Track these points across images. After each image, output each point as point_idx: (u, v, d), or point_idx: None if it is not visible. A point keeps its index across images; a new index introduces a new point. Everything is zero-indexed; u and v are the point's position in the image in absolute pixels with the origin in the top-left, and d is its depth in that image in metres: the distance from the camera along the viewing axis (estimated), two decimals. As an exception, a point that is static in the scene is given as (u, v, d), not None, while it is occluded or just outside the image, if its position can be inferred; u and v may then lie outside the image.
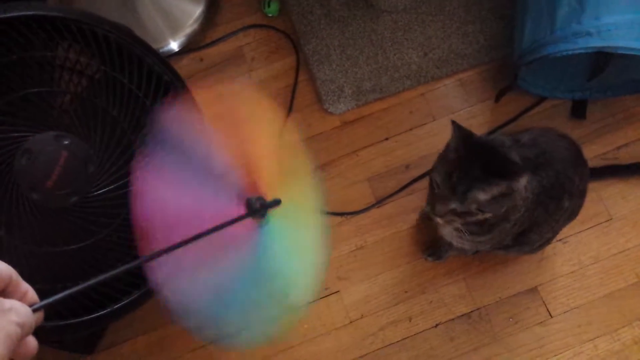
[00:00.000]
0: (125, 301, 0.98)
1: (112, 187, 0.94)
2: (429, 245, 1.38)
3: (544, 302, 1.35)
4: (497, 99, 1.49)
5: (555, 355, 1.31)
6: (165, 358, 1.33)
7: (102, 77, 0.96)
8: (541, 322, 1.34)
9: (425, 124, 1.49)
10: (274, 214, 0.67)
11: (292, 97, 1.52)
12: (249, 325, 0.70)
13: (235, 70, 1.56)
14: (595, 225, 1.40)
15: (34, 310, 0.46)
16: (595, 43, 1.14)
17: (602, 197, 1.42)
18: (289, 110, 1.51)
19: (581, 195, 1.17)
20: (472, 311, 1.35)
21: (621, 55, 1.18)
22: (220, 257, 0.64)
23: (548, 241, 1.27)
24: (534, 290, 1.36)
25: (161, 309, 0.59)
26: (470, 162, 0.94)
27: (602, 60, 1.37)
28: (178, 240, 0.58)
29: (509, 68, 1.48)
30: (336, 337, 1.34)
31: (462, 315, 1.35)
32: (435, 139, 1.48)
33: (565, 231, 1.37)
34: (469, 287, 1.36)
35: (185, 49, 1.56)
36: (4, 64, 0.86)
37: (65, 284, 0.90)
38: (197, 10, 1.57)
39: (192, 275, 0.64)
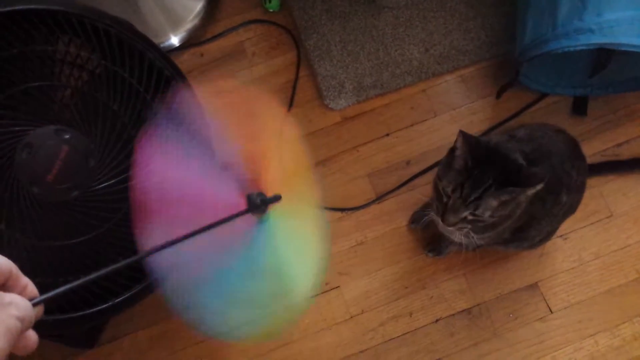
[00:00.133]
0: (126, 295, 0.98)
1: (112, 181, 0.94)
2: (429, 240, 1.38)
3: (544, 298, 1.35)
4: (499, 95, 1.48)
5: (556, 351, 1.32)
6: (166, 352, 1.34)
7: (102, 71, 0.96)
8: (541, 318, 1.34)
9: (426, 120, 1.49)
10: (275, 209, 0.67)
11: (293, 93, 1.52)
12: (249, 319, 0.70)
13: (236, 65, 1.56)
14: (595, 222, 1.40)
15: (34, 304, 0.46)
16: (597, 39, 1.14)
17: (602, 193, 1.42)
18: (290, 105, 1.51)
19: (579, 190, 1.17)
20: (472, 307, 1.35)
21: (623, 52, 1.17)
22: (218, 245, 0.64)
23: (547, 237, 1.27)
24: (534, 286, 1.36)
25: (162, 303, 0.59)
26: (480, 171, 0.94)
27: (603, 57, 1.37)
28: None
29: (510, 64, 1.48)
30: (337, 332, 1.34)
31: (463, 311, 1.35)
32: (436, 135, 1.48)
33: (566, 227, 1.37)
34: (469, 282, 1.36)
35: (185, 44, 1.56)
36: (5, 58, 0.86)
37: (65, 278, 0.90)
38: (198, 5, 1.56)
39: (192, 265, 0.64)
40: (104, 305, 0.96)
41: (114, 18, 0.95)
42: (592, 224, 1.40)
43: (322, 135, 1.49)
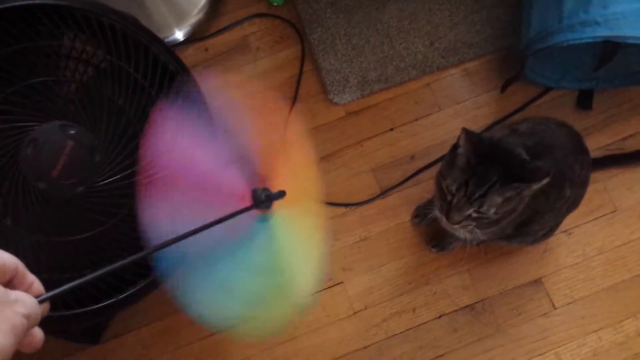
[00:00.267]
0: (131, 291, 0.98)
1: (118, 177, 0.94)
2: (433, 236, 1.38)
3: (547, 293, 1.35)
4: (503, 89, 1.48)
5: (559, 347, 1.32)
6: (170, 348, 1.34)
7: (107, 66, 0.95)
8: (545, 314, 1.34)
9: (430, 114, 1.49)
10: (279, 205, 0.67)
11: (297, 87, 1.52)
12: (253, 315, 0.70)
13: (241, 59, 1.56)
14: (600, 217, 1.40)
15: (40, 302, 0.46)
16: (603, 32, 1.13)
17: (607, 188, 1.41)
18: (294, 100, 1.51)
19: (583, 184, 1.17)
20: (475, 302, 1.35)
21: (628, 45, 1.17)
22: (222, 239, 0.64)
23: (551, 231, 1.27)
24: (537, 281, 1.36)
25: (166, 299, 0.59)
26: (484, 168, 0.94)
27: (609, 50, 1.36)
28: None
29: (515, 58, 1.47)
30: (340, 328, 1.34)
31: (466, 307, 1.35)
32: (440, 129, 1.47)
33: (570, 222, 1.37)
34: (473, 278, 1.36)
35: (190, 39, 1.56)
36: (11, 53, 0.86)
37: (71, 274, 0.91)
38: (202, 0, 1.56)
39: (196, 258, 0.64)
40: (109, 301, 0.96)
41: (119, 13, 0.95)
42: (596, 219, 1.40)
43: (326, 130, 1.48)
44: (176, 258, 0.61)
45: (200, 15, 1.56)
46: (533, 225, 1.15)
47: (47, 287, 0.49)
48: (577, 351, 1.31)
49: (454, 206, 0.99)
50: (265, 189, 0.66)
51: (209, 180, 0.64)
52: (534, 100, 1.48)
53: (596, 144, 1.43)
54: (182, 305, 0.64)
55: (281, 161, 0.71)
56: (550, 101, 1.49)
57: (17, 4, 0.84)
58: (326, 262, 0.72)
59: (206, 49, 1.57)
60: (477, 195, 0.95)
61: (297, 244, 0.71)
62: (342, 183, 1.44)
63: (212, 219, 0.59)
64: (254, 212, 0.66)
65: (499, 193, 0.94)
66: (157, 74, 0.99)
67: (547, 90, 1.48)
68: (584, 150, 1.16)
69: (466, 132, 0.95)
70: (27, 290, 0.46)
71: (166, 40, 1.52)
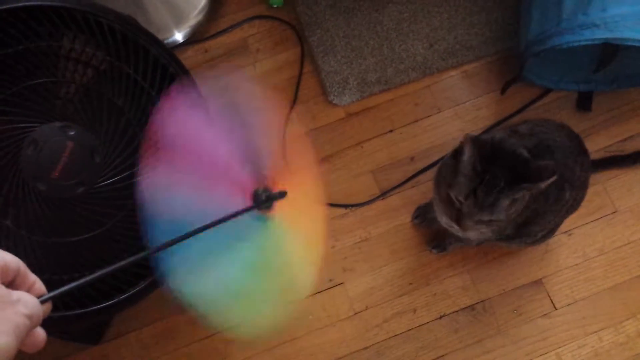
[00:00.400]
0: (132, 291, 0.98)
1: (118, 178, 0.94)
2: (433, 237, 1.38)
3: (548, 294, 1.35)
4: (503, 90, 1.48)
5: (560, 347, 1.32)
6: (170, 348, 1.34)
7: (107, 67, 0.95)
8: (545, 314, 1.34)
9: (430, 115, 1.49)
10: (280, 205, 0.67)
11: (297, 89, 1.52)
12: (254, 315, 0.70)
13: (240, 61, 1.56)
14: (600, 218, 1.40)
15: (42, 302, 0.46)
16: (602, 35, 1.14)
17: (607, 189, 1.41)
18: (294, 102, 1.51)
19: (583, 186, 1.17)
20: (476, 303, 1.35)
21: (628, 47, 1.17)
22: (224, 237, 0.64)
23: (550, 233, 1.26)
24: (538, 282, 1.36)
25: (167, 299, 0.59)
26: (491, 175, 0.93)
27: (608, 52, 1.37)
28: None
29: (514, 60, 1.47)
30: (340, 329, 1.34)
31: (467, 307, 1.35)
32: (440, 130, 1.47)
33: (570, 223, 1.37)
34: (473, 279, 1.36)
35: (189, 40, 1.56)
36: (10, 55, 0.86)
37: (72, 275, 0.91)
38: (202, 1, 1.56)
39: (196, 254, 0.64)
40: (110, 302, 0.96)
41: (118, 14, 0.95)
42: (596, 220, 1.40)
43: (326, 132, 1.48)
44: (176, 258, 0.61)
45: (199, 17, 1.56)
46: (533, 226, 1.15)
47: (49, 288, 0.49)
48: (578, 352, 1.31)
49: (465, 214, 0.98)
50: (266, 189, 0.66)
51: (211, 166, 0.65)
52: (533, 101, 1.48)
53: (596, 146, 1.43)
54: (183, 305, 0.64)
55: (282, 162, 0.71)
56: (550, 103, 1.49)
57: (16, 5, 0.84)
58: (326, 263, 0.72)
59: (206, 51, 1.57)
60: (487, 203, 0.94)
61: (298, 244, 0.71)
62: (342, 184, 1.44)
63: (209, 208, 0.60)
64: (255, 212, 0.66)
65: (508, 196, 0.93)
66: (157, 75, 0.99)
67: (547, 91, 1.48)
68: (583, 152, 1.15)
69: (472, 139, 0.94)
70: (29, 290, 0.46)
71: (166, 41, 1.52)
